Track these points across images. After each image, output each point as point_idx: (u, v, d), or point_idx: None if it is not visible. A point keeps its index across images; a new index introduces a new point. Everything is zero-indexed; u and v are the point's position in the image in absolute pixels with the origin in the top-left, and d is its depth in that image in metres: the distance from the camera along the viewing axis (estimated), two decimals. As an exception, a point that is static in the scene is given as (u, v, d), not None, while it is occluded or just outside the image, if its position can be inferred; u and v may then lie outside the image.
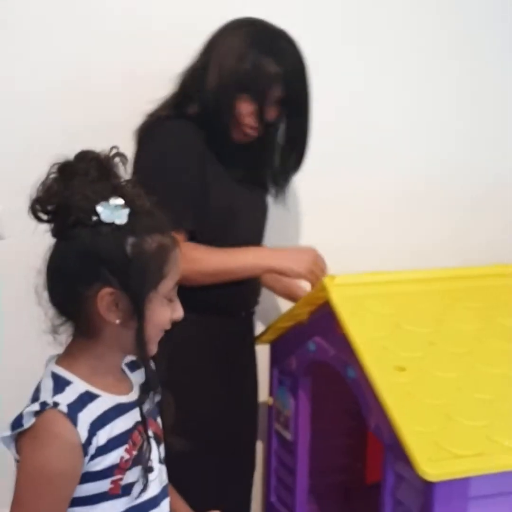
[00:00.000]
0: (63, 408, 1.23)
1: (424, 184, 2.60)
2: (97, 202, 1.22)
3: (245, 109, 1.93)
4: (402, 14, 2.51)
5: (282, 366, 2.16)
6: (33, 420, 1.22)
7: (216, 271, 1.91)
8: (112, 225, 1.23)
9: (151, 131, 1.95)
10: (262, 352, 2.26)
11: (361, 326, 1.77)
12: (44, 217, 1.25)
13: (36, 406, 1.22)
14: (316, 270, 1.97)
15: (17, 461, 1.26)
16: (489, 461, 1.50)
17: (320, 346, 1.93)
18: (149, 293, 1.27)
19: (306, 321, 2.04)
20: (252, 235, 2.09)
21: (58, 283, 1.27)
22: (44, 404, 1.23)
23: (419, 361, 1.72)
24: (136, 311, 1.26)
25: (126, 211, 1.24)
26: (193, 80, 1.96)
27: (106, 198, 1.23)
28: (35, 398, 1.27)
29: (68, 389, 1.26)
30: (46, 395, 1.25)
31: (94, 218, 1.23)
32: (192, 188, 1.91)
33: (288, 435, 2.13)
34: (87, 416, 1.25)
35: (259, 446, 2.35)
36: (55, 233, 1.26)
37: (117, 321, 1.26)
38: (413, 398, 1.62)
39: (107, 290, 1.24)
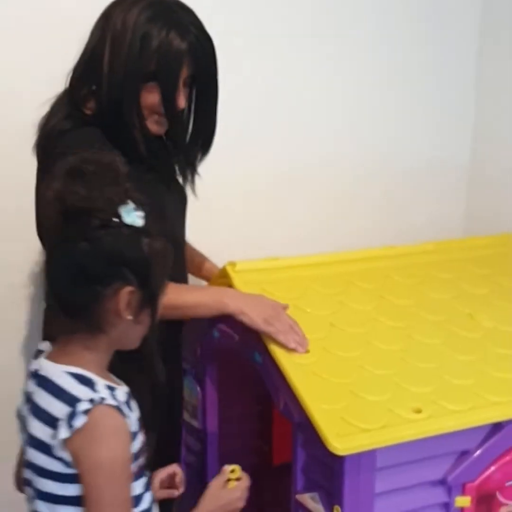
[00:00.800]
0: (112, 401, 1.27)
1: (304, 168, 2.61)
2: (118, 205, 1.27)
3: (153, 99, 1.71)
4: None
5: (187, 355, 2.19)
6: (85, 418, 1.24)
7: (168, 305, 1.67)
8: (131, 227, 1.27)
9: (52, 150, 1.66)
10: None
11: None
12: (60, 219, 1.26)
13: (86, 405, 1.24)
14: (276, 324, 1.74)
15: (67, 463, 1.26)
16: (393, 433, 1.58)
17: (224, 333, 1.96)
18: (162, 291, 1.34)
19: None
20: (178, 231, 1.93)
21: (76, 282, 1.27)
22: (92, 401, 1.25)
23: (321, 342, 1.79)
24: (152, 308, 1.33)
25: (141, 214, 1.29)
26: (87, 73, 1.73)
27: (123, 202, 1.27)
28: (67, 399, 1.27)
29: (97, 384, 1.29)
30: (84, 393, 1.26)
31: (116, 220, 1.26)
32: None
33: (196, 423, 2.17)
34: (122, 406, 1.30)
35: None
36: (74, 235, 1.26)
37: (130, 318, 1.31)
38: (319, 378, 1.69)
39: (127, 289, 1.28)
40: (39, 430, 1.29)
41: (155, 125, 1.75)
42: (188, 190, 1.93)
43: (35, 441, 1.30)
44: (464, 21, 2.80)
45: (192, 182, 1.91)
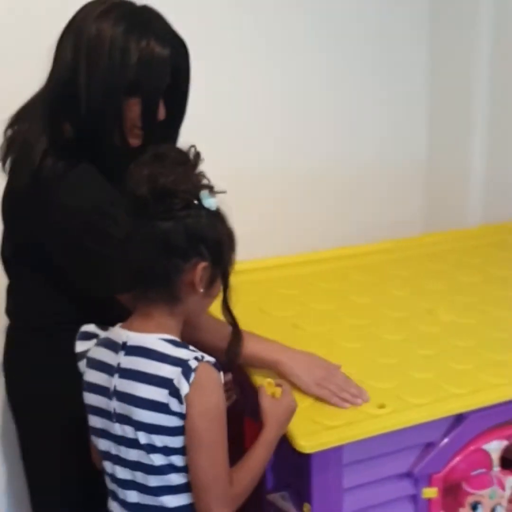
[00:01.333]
0: (209, 358, 1.42)
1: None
2: (199, 188, 1.42)
3: (135, 113, 1.64)
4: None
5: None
6: (195, 374, 1.38)
7: None
8: (208, 210, 1.42)
9: (56, 196, 1.60)
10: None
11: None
12: (140, 196, 1.39)
13: (194, 362, 1.39)
14: (329, 386, 1.69)
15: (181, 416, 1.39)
16: (358, 429, 1.61)
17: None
18: (232, 269, 1.49)
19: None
20: None
21: (161, 255, 1.40)
22: (197, 359, 1.40)
23: (285, 343, 1.80)
24: (224, 283, 1.48)
25: (215, 199, 1.44)
26: (62, 93, 1.62)
27: (202, 187, 1.43)
28: (174, 362, 1.40)
29: (190, 346, 1.44)
30: (186, 354, 1.41)
31: (196, 202, 1.41)
32: None
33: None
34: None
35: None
36: (161, 212, 1.39)
37: (202, 290, 1.45)
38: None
39: (203, 264, 1.43)
40: (151, 392, 1.40)
41: (134, 139, 1.69)
42: None
43: (147, 402, 1.40)
44: (414, 17, 2.84)
45: None
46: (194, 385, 1.38)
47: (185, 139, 1.52)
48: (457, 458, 1.77)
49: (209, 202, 1.42)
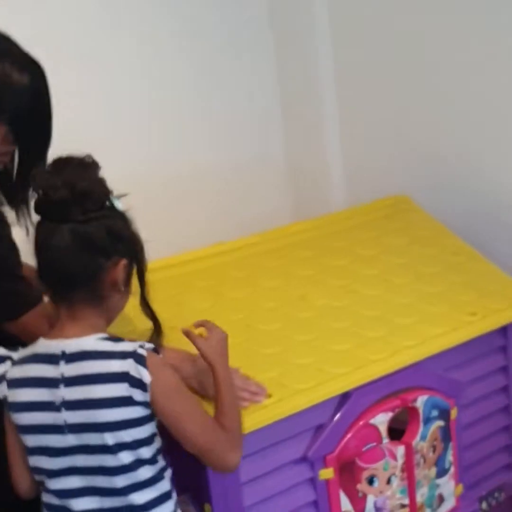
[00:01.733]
0: (149, 345, 1.46)
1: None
2: (108, 190, 1.47)
3: None
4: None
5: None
6: (147, 361, 1.42)
7: None
8: (118, 210, 1.47)
9: None
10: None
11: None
12: (58, 201, 1.41)
13: (141, 350, 1.43)
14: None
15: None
16: (248, 421, 1.62)
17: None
18: (146, 267, 1.53)
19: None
20: None
21: (83, 256, 1.44)
22: (141, 347, 1.44)
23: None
24: (141, 279, 1.53)
25: (121, 202, 1.49)
26: None
27: (109, 189, 1.48)
28: (121, 355, 1.43)
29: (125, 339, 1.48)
30: (128, 346, 1.44)
31: (108, 203, 1.46)
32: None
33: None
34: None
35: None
36: (79, 214, 1.42)
37: (122, 288, 1.49)
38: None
39: (124, 261, 1.47)
40: (109, 389, 1.41)
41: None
42: None
43: (107, 401, 1.41)
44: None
45: (29, 214, 1.74)
46: (152, 370, 1.41)
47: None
48: (348, 436, 1.82)
49: (118, 203, 1.48)
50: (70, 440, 1.45)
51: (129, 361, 1.42)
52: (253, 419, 1.65)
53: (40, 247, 1.46)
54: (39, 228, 1.46)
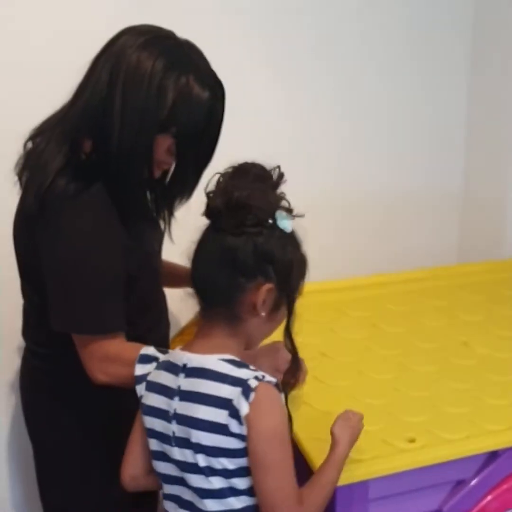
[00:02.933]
0: (270, 378, 1.37)
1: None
2: (276, 208, 1.38)
3: (163, 146, 1.58)
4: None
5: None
6: (255, 393, 1.34)
7: None
8: (282, 231, 1.38)
9: (57, 219, 1.55)
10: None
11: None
12: (212, 209, 1.38)
13: (254, 382, 1.34)
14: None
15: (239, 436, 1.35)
16: (386, 463, 1.55)
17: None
18: (298, 296, 1.44)
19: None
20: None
21: (225, 271, 1.38)
22: (257, 378, 1.35)
23: (313, 371, 1.74)
24: (289, 310, 1.43)
25: (292, 222, 1.40)
26: (90, 120, 1.56)
27: (279, 207, 1.39)
28: (233, 381, 1.36)
29: (250, 366, 1.39)
30: (245, 374, 1.36)
31: (270, 221, 1.37)
32: (118, 284, 1.61)
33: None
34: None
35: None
36: (231, 226, 1.36)
37: (263, 314, 1.40)
38: (310, 408, 1.67)
39: (268, 285, 1.38)
40: (211, 413, 1.36)
41: (158, 171, 1.65)
42: None
43: (206, 424, 1.37)
44: (454, 46, 2.81)
45: (169, 224, 1.78)
46: (254, 405, 1.34)
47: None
48: (489, 497, 1.70)
49: (285, 223, 1.39)
50: (175, 453, 1.42)
51: (237, 389, 1.35)
52: (392, 462, 1.56)
53: (195, 250, 1.43)
54: (202, 232, 1.43)
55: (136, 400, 1.50)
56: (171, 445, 1.42)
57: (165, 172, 1.70)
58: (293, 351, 1.48)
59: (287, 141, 2.54)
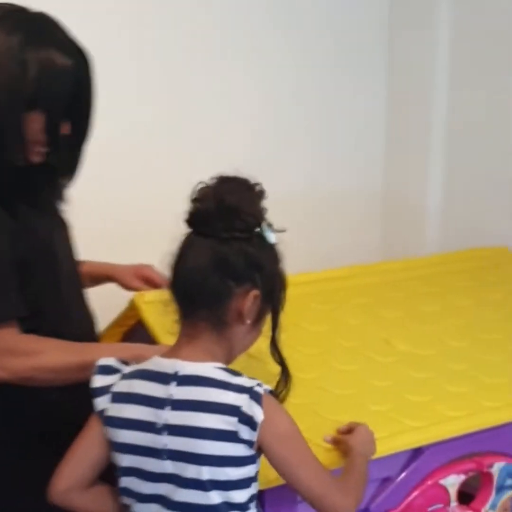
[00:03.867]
0: (267, 387, 1.39)
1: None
2: (263, 217, 1.41)
3: (34, 125, 1.53)
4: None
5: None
6: (263, 400, 1.34)
7: (63, 366, 1.56)
8: (267, 242, 1.41)
9: None
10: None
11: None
12: (203, 212, 1.38)
13: (259, 388, 1.35)
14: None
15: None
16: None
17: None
18: (282, 308, 1.46)
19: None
20: (71, 264, 1.78)
21: (215, 275, 1.37)
22: (260, 385, 1.36)
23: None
24: (274, 321, 1.46)
25: (275, 234, 1.42)
26: None
27: (265, 217, 1.42)
28: (237, 389, 1.34)
29: (244, 374, 1.39)
30: (246, 381, 1.36)
31: (257, 229, 1.39)
32: (8, 269, 1.54)
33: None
34: None
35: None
36: (218, 230, 1.36)
37: (248, 322, 1.40)
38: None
39: (256, 292, 1.39)
40: (217, 421, 1.33)
41: (36, 156, 1.58)
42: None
43: (211, 432, 1.33)
44: (371, 46, 2.84)
45: (59, 208, 1.73)
46: (267, 410, 1.33)
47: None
48: (414, 494, 1.72)
49: (270, 234, 1.41)
50: (167, 466, 1.36)
51: (244, 396, 1.33)
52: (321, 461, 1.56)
53: (177, 257, 1.41)
54: (184, 239, 1.41)
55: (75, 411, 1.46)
56: (161, 459, 1.36)
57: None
58: (281, 363, 1.49)
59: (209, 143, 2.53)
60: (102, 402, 1.42)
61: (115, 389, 1.42)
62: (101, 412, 1.42)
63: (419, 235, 2.92)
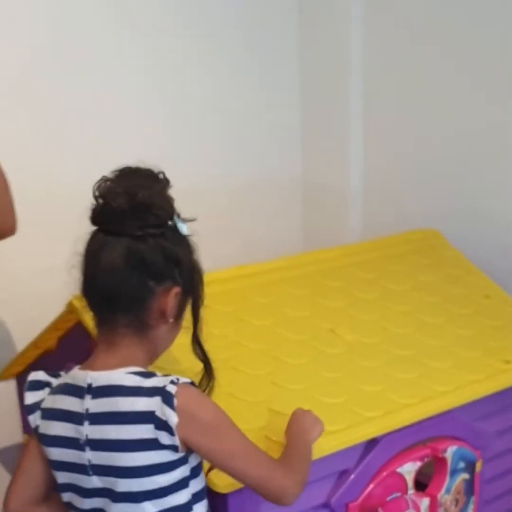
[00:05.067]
0: (186, 379, 1.30)
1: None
2: (173, 209, 1.33)
3: None
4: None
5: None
6: (176, 400, 1.25)
7: None
8: (180, 234, 1.33)
9: None
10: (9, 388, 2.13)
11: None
12: (115, 210, 1.27)
13: (172, 387, 1.26)
14: None
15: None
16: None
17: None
18: (202, 302, 1.39)
19: (55, 347, 1.95)
20: None
21: (133, 275, 1.29)
22: (173, 382, 1.27)
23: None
24: (196, 314, 1.39)
25: (186, 225, 1.35)
26: None
27: (175, 209, 1.33)
28: (149, 392, 1.27)
29: (159, 373, 1.32)
30: (159, 381, 1.28)
31: (170, 223, 1.31)
32: None
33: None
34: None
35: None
36: (132, 227, 1.28)
37: (171, 320, 1.34)
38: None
39: (177, 289, 1.33)
40: (133, 431, 1.27)
41: None
42: None
43: (131, 444, 1.26)
44: (283, 29, 2.80)
45: None
46: (180, 410, 1.25)
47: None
48: (372, 484, 1.71)
49: (182, 225, 1.34)
50: (95, 481, 1.31)
51: (156, 399, 1.26)
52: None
53: (88, 259, 1.32)
54: (92, 239, 1.32)
55: None
56: (88, 475, 1.31)
57: None
58: (205, 359, 1.44)
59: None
60: (34, 419, 1.38)
61: (43, 405, 1.38)
62: (35, 429, 1.38)
63: (341, 222, 2.92)
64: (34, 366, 2.03)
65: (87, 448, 1.31)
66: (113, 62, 2.50)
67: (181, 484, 1.31)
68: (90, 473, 1.31)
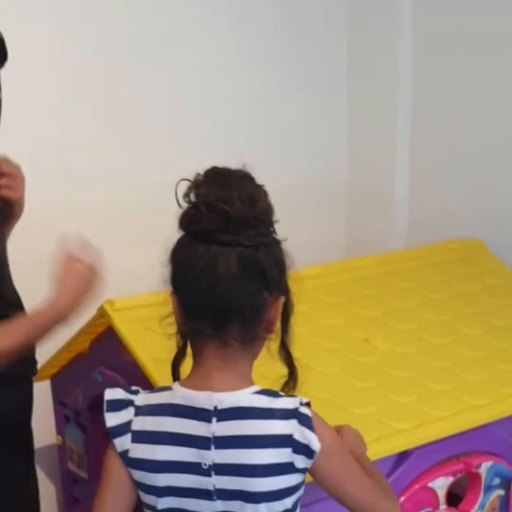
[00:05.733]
0: (304, 398, 1.27)
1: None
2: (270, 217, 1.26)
3: None
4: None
5: (68, 401, 2.04)
6: (312, 422, 1.24)
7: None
8: (278, 238, 1.27)
9: None
10: (44, 389, 2.13)
11: (149, 349, 1.70)
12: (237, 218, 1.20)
13: (304, 409, 1.24)
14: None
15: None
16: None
17: (107, 376, 1.83)
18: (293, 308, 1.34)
19: (87, 351, 1.94)
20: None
21: (252, 286, 1.22)
22: (301, 403, 1.25)
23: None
24: (286, 320, 1.32)
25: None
26: None
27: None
28: (282, 415, 1.23)
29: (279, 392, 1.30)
30: (288, 402, 1.25)
31: (271, 229, 1.26)
32: None
33: (84, 474, 2.01)
34: None
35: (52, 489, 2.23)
36: (249, 238, 1.21)
37: (274, 330, 1.29)
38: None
39: (283, 299, 1.28)
40: (269, 455, 1.23)
41: None
42: None
43: (265, 469, 1.23)
44: (331, 43, 2.79)
45: None
46: (320, 434, 1.23)
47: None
48: (403, 498, 1.67)
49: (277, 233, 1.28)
50: (218, 506, 1.25)
51: (293, 422, 1.22)
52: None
53: (197, 271, 1.22)
54: (195, 248, 1.23)
55: None
56: (212, 500, 1.25)
57: None
58: (290, 365, 1.37)
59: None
60: (122, 443, 1.29)
61: (135, 427, 1.28)
62: (123, 453, 1.29)
63: (386, 229, 2.88)
64: (67, 369, 2.04)
65: (213, 473, 1.24)
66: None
67: (297, 504, 1.30)
68: (214, 498, 1.25)
